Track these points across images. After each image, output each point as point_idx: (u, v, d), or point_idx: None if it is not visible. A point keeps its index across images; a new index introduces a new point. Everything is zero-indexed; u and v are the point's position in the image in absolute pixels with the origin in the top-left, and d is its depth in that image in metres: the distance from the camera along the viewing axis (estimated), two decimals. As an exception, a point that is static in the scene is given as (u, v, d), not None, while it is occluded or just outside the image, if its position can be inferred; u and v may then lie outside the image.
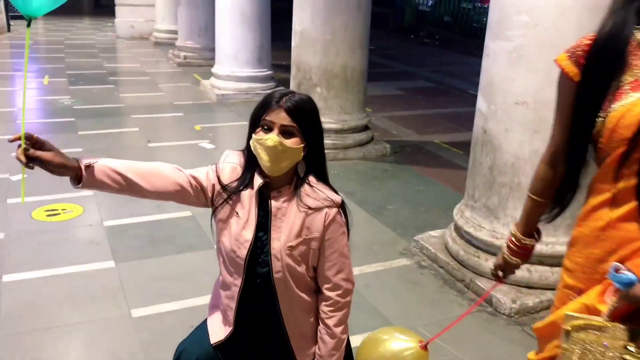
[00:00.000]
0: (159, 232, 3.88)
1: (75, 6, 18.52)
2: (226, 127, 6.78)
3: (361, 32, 5.42)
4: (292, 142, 1.62)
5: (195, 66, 9.82)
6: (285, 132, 1.62)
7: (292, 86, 5.65)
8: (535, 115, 2.99)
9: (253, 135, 1.68)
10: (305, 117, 1.64)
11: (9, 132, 6.00)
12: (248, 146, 1.72)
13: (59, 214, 4.09)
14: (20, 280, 3.24)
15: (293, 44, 5.57)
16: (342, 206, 1.69)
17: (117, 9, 13.29)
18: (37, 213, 4.07)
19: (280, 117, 1.61)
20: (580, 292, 1.39)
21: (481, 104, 3.29)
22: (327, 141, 5.45)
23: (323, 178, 1.72)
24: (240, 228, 1.70)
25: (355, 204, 4.50)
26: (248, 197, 1.70)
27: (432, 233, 3.83)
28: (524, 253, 1.68)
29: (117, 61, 10.89)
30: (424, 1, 18.03)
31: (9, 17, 13.41)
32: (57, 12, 15.01)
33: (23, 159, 1.44)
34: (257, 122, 1.66)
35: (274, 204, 1.67)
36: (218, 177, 1.72)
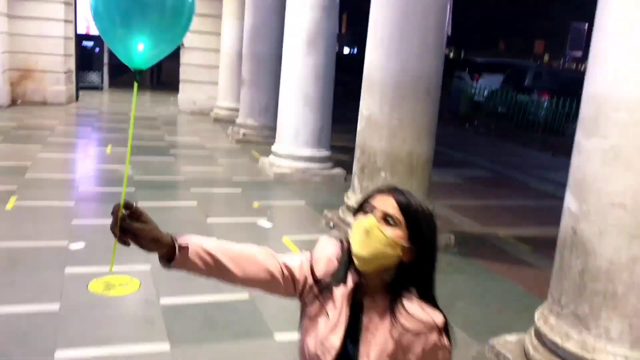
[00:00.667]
0: (216, 314, 3.71)
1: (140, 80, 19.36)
2: (284, 206, 6.70)
3: (429, 119, 5.34)
4: (392, 233, 1.44)
5: (254, 143, 9.94)
6: (387, 220, 1.45)
7: (356, 169, 5.56)
8: (634, 219, 2.76)
9: (354, 218, 1.54)
10: (417, 215, 1.47)
11: (68, 198, 6.07)
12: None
13: (115, 287, 3.98)
14: (73, 358, 3.09)
15: (359, 127, 5.52)
16: (445, 328, 1.46)
17: (181, 85, 13.79)
18: (94, 285, 3.97)
19: (386, 203, 1.46)
20: None
21: (571, 202, 3.08)
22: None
23: (427, 294, 1.50)
24: (328, 331, 1.51)
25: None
26: (341, 296, 1.53)
27: (509, 338, 3.53)
28: None
29: (177, 134, 11.17)
30: (480, 92, 18.11)
31: (79, 88, 14.07)
32: (123, 85, 15.65)
33: (117, 230, 1.33)
34: (361, 206, 1.52)
35: (366, 313, 1.48)
36: (312, 270, 1.57)
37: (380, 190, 1.52)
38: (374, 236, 1.45)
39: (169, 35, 1.48)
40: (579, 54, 31.98)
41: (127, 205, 1.36)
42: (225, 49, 12.79)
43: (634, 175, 2.75)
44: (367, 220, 1.46)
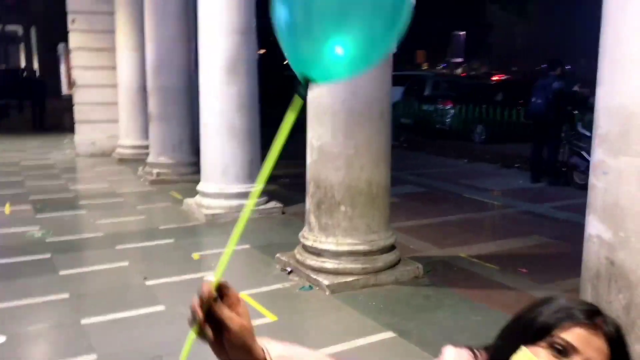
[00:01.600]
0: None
1: (20, 127, 17.79)
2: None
3: (385, 143, 4.97)
4: None
5: (171, 183, 9.13)
6: None
7: (310, 205, 5.05)
8: (686, 243, 2.48)
9: (525, 349, 1.05)
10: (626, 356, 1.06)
11: None
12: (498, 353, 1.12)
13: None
14: None
15: (309, 160, 5.03)
16: None
17: (77, 126, 12.60)
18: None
19: (594, 347, 1.02)
20: None
21: (601, 230, 2.76)
22: (356, 265, 4.82)
23: None
24: None
25: (415, 345, 3.82)
26: None
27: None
28: None
29: (82, 181, 10.08)
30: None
31: None
32: (4, 130, 14.08)
33: (202, 314, 0.91)
34: (543, 332, 1.05)
35: None
36: None
37: (571, 317, 1.05)
38: None
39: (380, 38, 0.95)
40: (459, 60, 33.85)
41: (221, 287, 0.95)
42: (123, 83, 11.84)
43: (680, 195, 2.47)
44: None
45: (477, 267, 5.46)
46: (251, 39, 7.12)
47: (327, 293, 4.67)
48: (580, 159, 8.83)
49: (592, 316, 1.05)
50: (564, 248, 5.90)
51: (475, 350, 1.24)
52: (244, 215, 0.99)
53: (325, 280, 4.74)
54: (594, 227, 2.80)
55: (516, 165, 10.98)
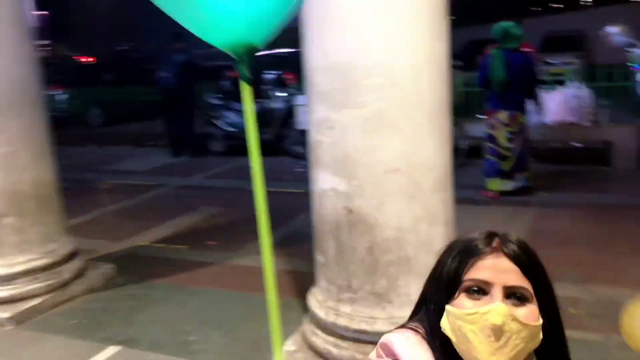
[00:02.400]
0: None
1: None
2: None
3: (45, 134, 4.20)
4: (528, 315, 0.99)
5: None
6: (514, 297, 0.99)
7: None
8: (410, 180, 2.77)
9: (450, 308, 1.01)
10: (538, 269, 1.05)
11: None
12: (435, 328, 1.05)
13: None
14: None
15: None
16: None
17: None
18: None
19: (502, 270, 1.00)
20: None
21: (335, 182, 2.86)
22: (38, 284, 4.04)
23: None
24: None
25: (148, 350, 3.42)
26: None
27: (286, 348, 3.18)
28: None
29: None
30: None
31: None
32: None
33: None
34: (455, 282, 1.02)
35: None
36: None
37: (475, 251, 1.03)
38: (512, 332, 0.96)
39: None
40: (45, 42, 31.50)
41: None
42: None
43: (402, 137, 2.73)
44: (495, 312, 0.95)
45: (167, 251, 5.20)
46: None
47: (11, 327, 3.78)
48: (215, 127, 9.22)
49: (489, 242, 1.03)
50: (238, 212, 6.08)
51: (414, 327, 1.12)
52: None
53: (4, 313, 3.82)
54: (328, 181, 2.89)
55: (150, 144, 10.82)
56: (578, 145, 7.93)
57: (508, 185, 6.04)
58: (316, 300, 3.14)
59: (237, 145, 9.33)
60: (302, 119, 7.66)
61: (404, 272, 2.86)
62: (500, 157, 6.00)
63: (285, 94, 8.87)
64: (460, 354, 1.00)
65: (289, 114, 8.56)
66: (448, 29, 2.83)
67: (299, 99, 7.73)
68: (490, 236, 1.05)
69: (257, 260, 4.77)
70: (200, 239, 5.43)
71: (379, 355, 1.09)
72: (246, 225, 5.61)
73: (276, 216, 6.24)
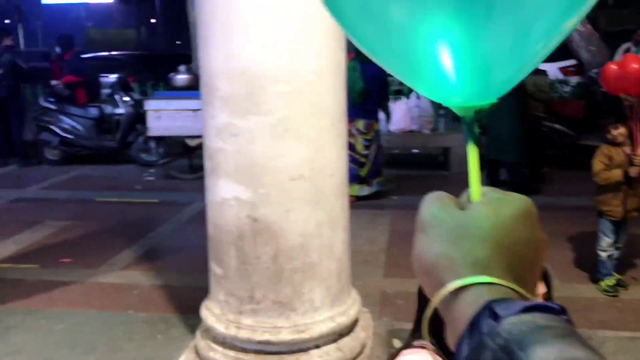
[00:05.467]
0: None
1: None
2: None
3: None
4: None
5: None
6: None
7: None
8: (314, 187, 2.79)
9: None
10: None
11: None
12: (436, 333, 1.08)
13: None
14: None
15: None
16: None
17: None
18: None
19: None
20: None
21: (238, 191, 2.78)
22: None
23: None
24: None
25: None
26: None
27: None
28: None
29: None
30: None
31: None
32: None
33: None
34: None
35: None
36: None
37: None
38: None
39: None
40: None
41: None
42: None
43: (306, 144, 2.73)
44: None
45: (14, 272, 4.63)
46: None
47: None
48: (50, 134, 8.44)
49: None
50: (89, 226, 5.63)
51: (424, 343, 1.15)
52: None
53: None
54: (229, 189, 2.79)
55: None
56: (417, 151, 8.58)
57: (365, 190, 6.33)
58: (212, 314, 3.01)
59: (73, 154, 8.64)
60: (152, 125, 7.30)
61: (309, 278, 2.86)
62: (358, 164, 6.27)
63: (129, 99, 8.38)
64: None
65: (135, 119, 8.11)
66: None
67: (149, 104, 7.35)
68: None
69: (122, 277, 4.56)
70: (53, 256, 4.92)
71: None
72: (102, 239, 5.26)
73: (134, 229, 5.96)
